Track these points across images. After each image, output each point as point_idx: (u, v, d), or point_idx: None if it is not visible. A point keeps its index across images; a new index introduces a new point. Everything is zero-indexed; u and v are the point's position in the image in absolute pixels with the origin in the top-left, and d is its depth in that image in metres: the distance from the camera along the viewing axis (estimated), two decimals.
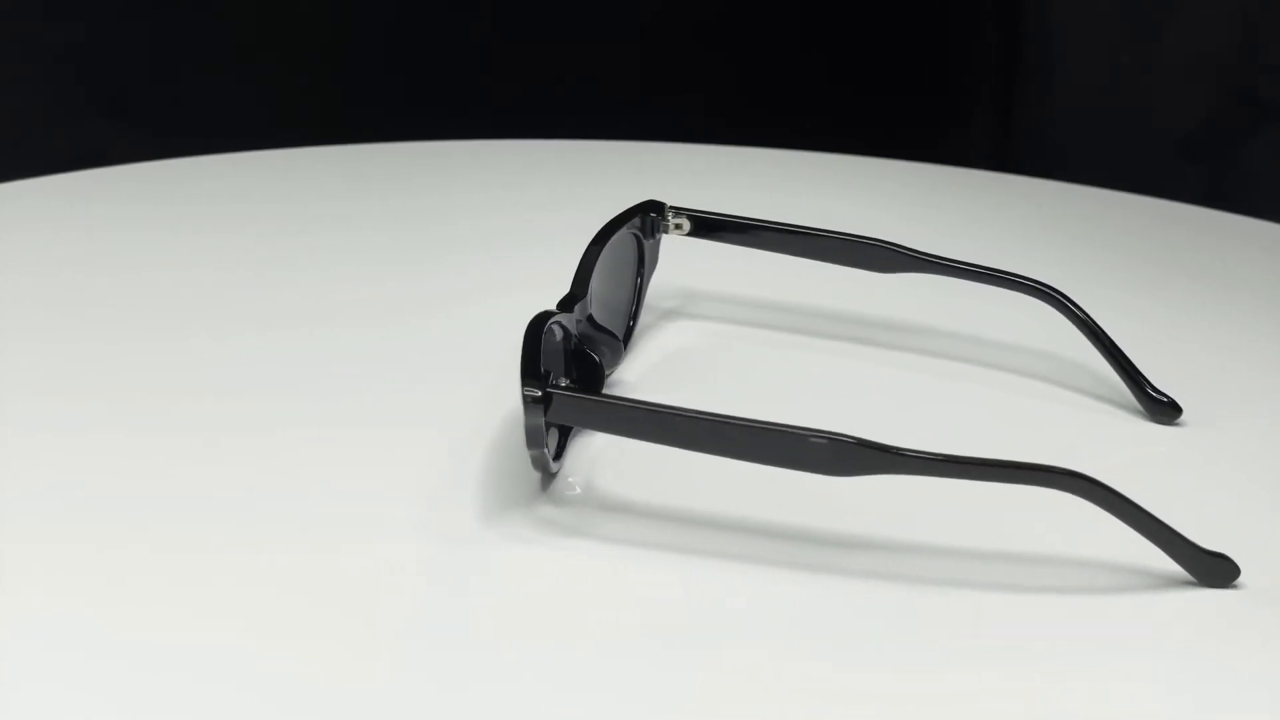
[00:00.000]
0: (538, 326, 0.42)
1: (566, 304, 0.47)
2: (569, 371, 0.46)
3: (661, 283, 0.57)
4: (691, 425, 0.40)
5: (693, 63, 1.34)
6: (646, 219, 0.54)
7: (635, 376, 0.52)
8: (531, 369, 0.41)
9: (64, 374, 0.51)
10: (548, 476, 0.44)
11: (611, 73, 1.33)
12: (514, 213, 0.71)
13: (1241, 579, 0.39)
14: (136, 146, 0.82)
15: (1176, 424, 0.48)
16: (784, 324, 0.56)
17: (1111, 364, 0.49)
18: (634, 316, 0.55)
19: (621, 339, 0.53)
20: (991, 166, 0.85)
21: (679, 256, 0.57)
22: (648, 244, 0.55)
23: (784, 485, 0.40)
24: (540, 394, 0.40)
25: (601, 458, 0.46)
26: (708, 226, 0.55)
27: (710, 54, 1.35)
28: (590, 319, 0.48)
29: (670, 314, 0.57)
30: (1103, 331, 0.49)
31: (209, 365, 0.52)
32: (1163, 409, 0.48)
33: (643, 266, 0.55)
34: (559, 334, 0.45)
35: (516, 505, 0.43)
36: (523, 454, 0.41)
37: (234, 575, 0.39)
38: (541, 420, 0.40)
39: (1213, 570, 0.40)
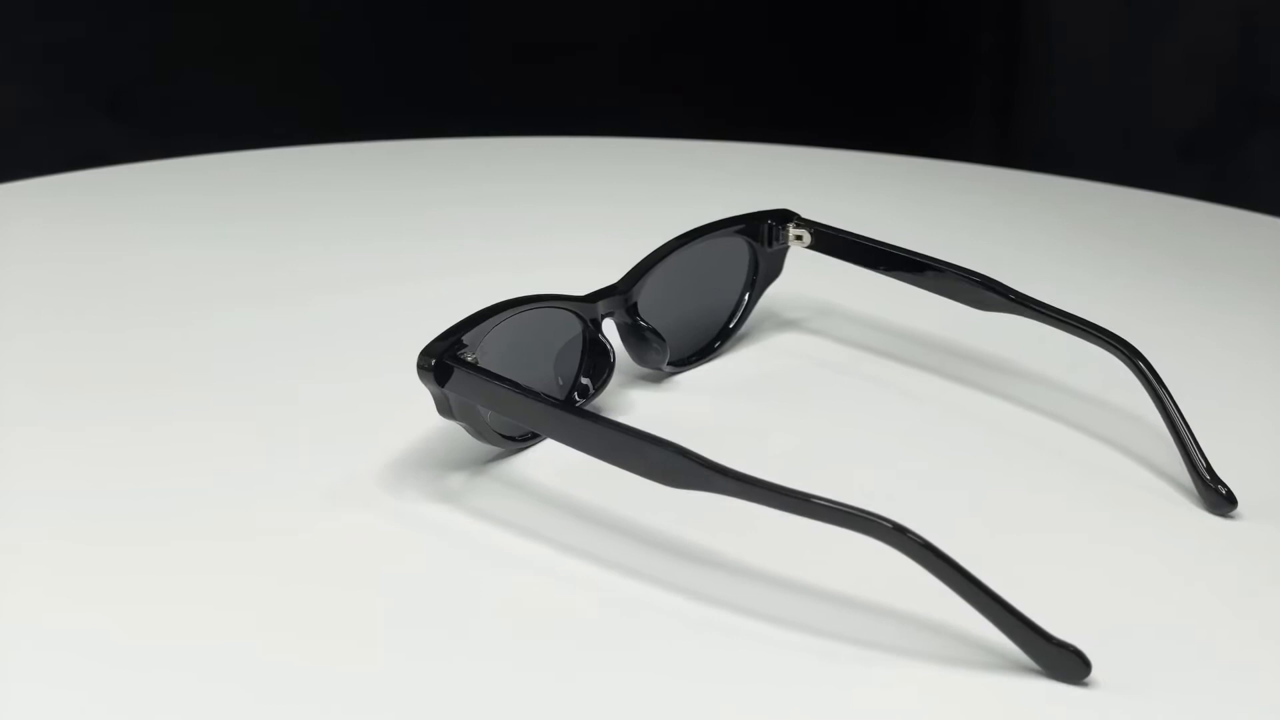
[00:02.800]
0: (495, 307, 0.43)
1: (598, 295, 0.47)
2: (581, 361, 0.47)
3: (795, 292, 0.56)
4: (554, 417, 0.40)
5: (692, 62, 1.35)
6: (764, 226, 0.53)
7: (697, 382, 0.51)
8: (446, 338, 0.42)
9: (61, 371, 0.51)
10: (501, 451, 0.45)
11: (608, 71, 1.33)
12: (554, 206, 0.72)
13: (1094, 676, 0.35)
14: (136, 146, 0.82)
15: (1230, 516, 0.43)
16: (889, 350, 0.54)
17: (1174, 438, 0.44)
18: (733, 322, 0.54)
19: (707, 342, 0.53)
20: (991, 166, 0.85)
21: (825, 266, 0.54)
22: (765, 251, 0.53)
23: (733, 514, 0.39)
24: (433, 362, 0.41)
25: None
26: (827, 241, 0.53)
27: (709, 54, 1.35)
28: (633, 313, 0.48)
29: (789, 324, 0.56)
30: (1172, 402, 0.45)
31: (205, 360, 0.52)
32: (1217, 500, 0.43)
33: (756, 274, 0.54)
34: (572, 324, 0.46)
35: (428, 477, 0.44)
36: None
37: (206, 564, 0.39)
38: (436, 388, 0.41)
39: (1059, 663, 0.35)
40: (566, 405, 0.41)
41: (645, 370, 0.50)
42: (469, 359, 0.42)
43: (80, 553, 0.40)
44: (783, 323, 0.56)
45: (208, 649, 0.36)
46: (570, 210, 0.71)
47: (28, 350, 0.53)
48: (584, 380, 0.47)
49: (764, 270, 0.54)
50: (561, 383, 0.47)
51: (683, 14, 1.35)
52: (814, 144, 0.84)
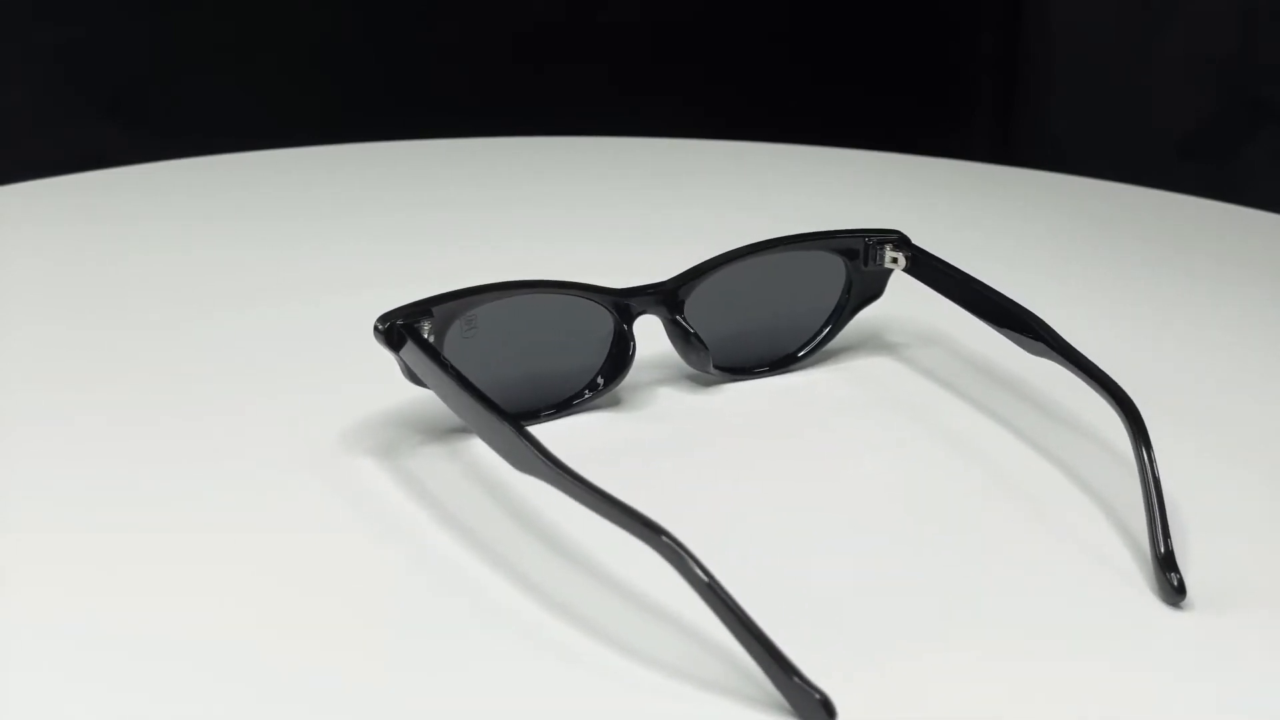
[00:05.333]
0: (486, 286, 0.45)
1: (634, 291, 0.47)
2: (610, 353, 0.47)
3: (908, 315, 0.55)
4: (454, 394, 0.41)
5: (689, 63, 1.35)
6: (860, 245, 0.51)
7: (742, 391, 0.50)
8: (410, 306, 0.43)
9: (60, 370, 0.51)
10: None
11: (607, 71, 1.33)
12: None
13: None
14: (136, 147, 0.82)
15: (1178, 607, 0.39)
16: (967, 389, 0.51)
17: (1146, 513, 0.41)
18: (815, 338, 0.52)
19: (781, 355, 0.51)
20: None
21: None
22: (862, 270, 0.51)
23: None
24: (387, 326, 0.43)
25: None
26: (920, 268, 0.51)
27: (710, 54, 1.35)
28: (674, 311, 0.48)
29: (886, 348, 0.54)
30: (1152, 473, 0.42)
31: (203, 359, 0.52)
32: (1168, 589, 0.39)
33: (849, 292, 0.52)
34: (600, 316, 0.46)
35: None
36: None
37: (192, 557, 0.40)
38: (392, 353, 0.43)
39: (805, 705, 0.33)
40: (459, 376, 0.41)
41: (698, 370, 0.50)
42: (425, 329, 0.43)
43: (73, 543, 0.40)
44: (881, 345, 0.54)
45: (190, 636, 0.36)
46: (583, 214, 0.72)
47: (26, 349, 0.53)
48: (600, 374, 0.48)
49: (858, 290, 0.52)
50: (575, 372, 0.47)
51: (684, 15, 1.35)
52: (814, 143, 0.84)
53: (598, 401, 0.48)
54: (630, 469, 0.45)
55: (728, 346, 0.49)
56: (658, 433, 0.48)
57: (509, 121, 0.88)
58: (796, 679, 0.33)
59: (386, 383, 0.46)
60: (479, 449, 0.44)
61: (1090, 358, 0.46)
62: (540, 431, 0.46)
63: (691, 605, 0.35)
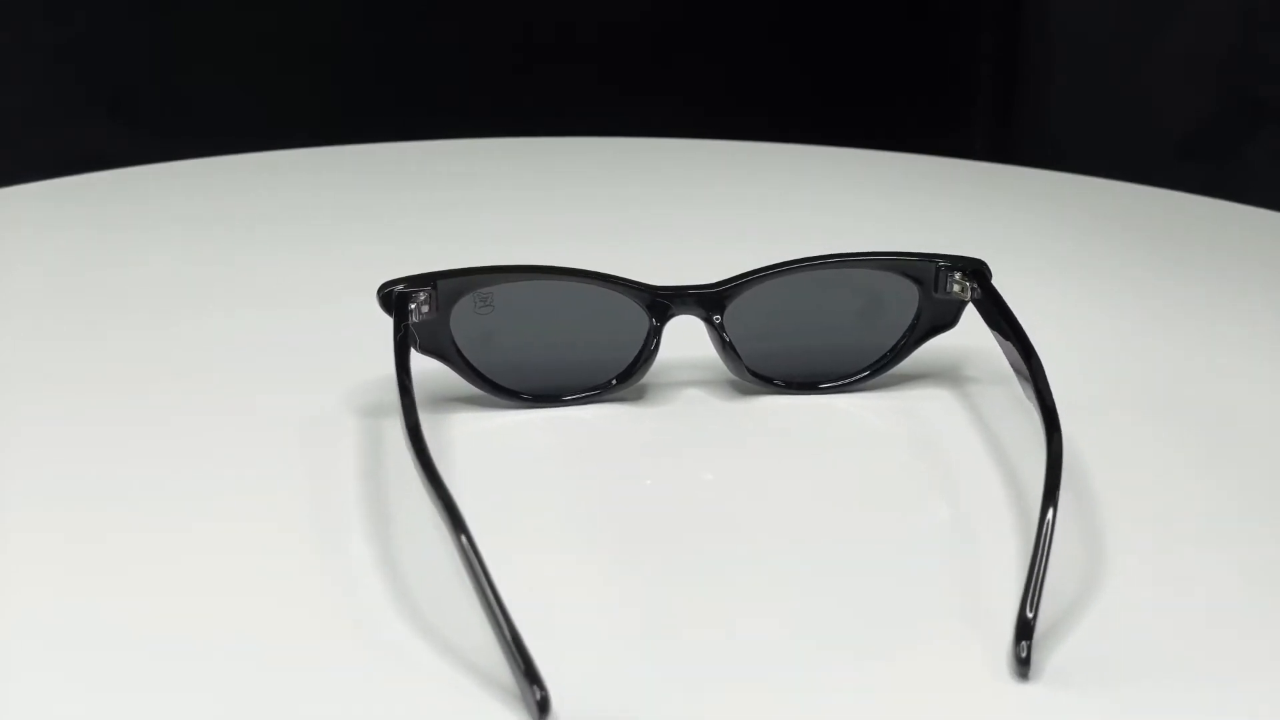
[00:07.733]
0: (508, 266, 0.46)
1: (673, 291, 0.47)
2: (635, 349, 0.47)
3: (996, 352, 0.49)
4: (397, 365, 0.43)
5: (689, 63, 1.35)
6: (931, 269, 0.49)
7: (773, 404, 0.49)
8: (416, 278, 0.45)
9: (59, 371, 0.51)
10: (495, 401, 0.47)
11: (603, 71, 1.33)
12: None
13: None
14: (136, 147, 0.82)
15: (1025, 679, 0.36)
16: (993, 422, 0.48)
17: (1027, 577, 0.38)
18: (874, 363, 0.49)
19: (823, 374, 0.49)
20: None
21: (1058, 326, 0.49)
22: (931, 297, 0.49)
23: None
24: (385, 291, 0.45)
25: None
26: (985, 306, 0.48)
27: (709, 53, 1.35)
28: (713, 313, 0.47)
29: (956, 381, 0.51)
30: (1048, 536, 0.39)
31: (201, 361, 0.52)
32: (1015, 660, 0.36)
33: (918, 319, 0.49)
34: (633, 311, 0.46)
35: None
36: None
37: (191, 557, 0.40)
38: (389, 318, 0.45)
39: (529, 696, 0.33)
40: (402, 342, 0.44)
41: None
42: (420, 301, 0.45)
43: (70, 542, 0.40)
44: (949, 379, 0.51)
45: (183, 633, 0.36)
46: (585, 214, 0.71)
47: (24, 348, 0.53)
48: (618, 369, 0.47)
49: (927, 317, 0.49)
50: (592, 363, 0.47)
51: (683, 13, 1.35)
52: (814, 142, 0.84)
53: (622, 394, 0.48)
54: (615, 464, 0.45)
55: (772, 357, 0.49)
56: (664, 430, 0.48)
57: (509, 121, 0.88)
58: (528, 678, 0.33)
59: (386, 380, 0.46)
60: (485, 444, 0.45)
61: (1057, 397, 0.43)
62: (549, 419, 0.47)
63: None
